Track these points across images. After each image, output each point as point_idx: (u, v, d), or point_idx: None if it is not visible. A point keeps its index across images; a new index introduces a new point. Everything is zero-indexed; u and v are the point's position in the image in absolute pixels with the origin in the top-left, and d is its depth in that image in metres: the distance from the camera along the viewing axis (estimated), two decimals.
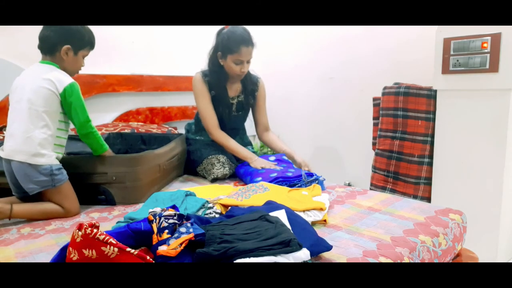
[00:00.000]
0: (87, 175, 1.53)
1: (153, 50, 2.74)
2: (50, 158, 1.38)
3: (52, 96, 1.40)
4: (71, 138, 1.96)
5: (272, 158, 1.92)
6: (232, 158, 1.98)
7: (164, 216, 0.92)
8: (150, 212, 0.95)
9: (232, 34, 1.84)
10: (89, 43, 1.53)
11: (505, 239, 1.84)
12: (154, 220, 0.93)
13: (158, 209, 0.95)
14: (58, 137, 1.44)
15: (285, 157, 1.94)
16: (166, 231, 0.91)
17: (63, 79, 1.43)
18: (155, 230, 0.91)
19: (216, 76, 1.95)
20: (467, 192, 1.86)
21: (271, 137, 2.13)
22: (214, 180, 1.89)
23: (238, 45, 1.82)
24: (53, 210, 1.40)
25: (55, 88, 1.40)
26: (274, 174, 1.66)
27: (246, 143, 2.17)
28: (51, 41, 1.44)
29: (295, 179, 1.62)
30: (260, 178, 1.65)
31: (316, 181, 1.63)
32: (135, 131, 2.26)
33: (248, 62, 1.91)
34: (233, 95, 2.03)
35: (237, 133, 2.13)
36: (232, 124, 2.06)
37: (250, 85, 2.05)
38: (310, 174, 1.68)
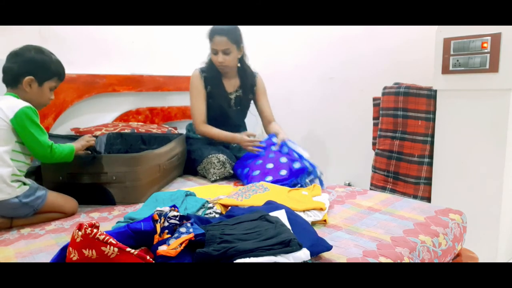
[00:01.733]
0: (87, 175, 1.53)
1: (153, 50, 2.73)
2: (13, 191, 1.27)
3: (1, 124, 1.27)
4: (71, 138, 1.96)
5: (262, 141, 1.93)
6: (232, 157, 1.98)
7: (169, 216, 0.92)
8: (156, 211, 0.95)
9: (213, 26, 1.92)
10: (56, 74, 1.45)
11: (505, 239, 1.84)
12: (159, 220, 0.92)
13: (166, 208, 0.95)
14: (16, 174, 1.29)
15: (275, 139, 1.94)
16: (166, 231, 0.91)
17: (15, 104, 1.30)
18: (159, 230, 0.91)
19: (211, 71, 2.01)
20: (467, 192, 1.86)
21: (272, 126, 2.13)
22: (215, 180, 1.89)
23: (213, 34, 1.91)
24: (53, 215, 1.39)
25: (4, 115, 1.28)
26: (270, 178, 1.66)
27: None
28: (13, 73, 1.36)
29: (290, 180, 1.62)
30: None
31: (313, 177, 1.64)
32: (135, 131, 2.26)
33: (226, 54, 1.93)
34: (231, 90, 2.06)
35: (238, 130, 2.14)
36: (232, 119, 2.08)
37: (248, 80, 2.07)
38: (302, 170, 1.67)
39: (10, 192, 1.26)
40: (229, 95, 2.05)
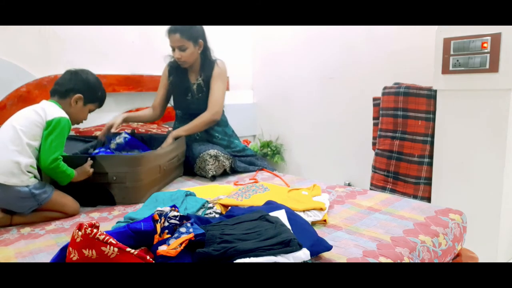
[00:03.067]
0: None
1: (153, 50, 2.73)
2: (27, 180, 1.33)
3: (37, 121, 1.38)
4: (71, 138, 1.96)
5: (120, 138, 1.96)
6: (224, 150, 2.02)
7: (169, 216, 0.92)
8: (156, 211, 0.95)
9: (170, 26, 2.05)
10: (99, 100, 1.62)
11: (505, 239, 1.84)
12: (159, 220, 0.92)
13: (166, 208, 0.95)
14: (33, 166, 1.36)
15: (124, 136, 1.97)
16: (166, 231, 0.91)
17: (58, 112, 1.43)
18: (159, 230, 0.91)
19: (176, 64, 2.16)
20: (467, 192, 1.86)
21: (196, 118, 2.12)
22: (214, 177, 1.90)
23: (168, 32, 2.03)
24: (53, 215, 1.40)
25: (44, 115, 1.39)
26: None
27: (229, 134, 2.23)
28: (67, 87, 1.52)
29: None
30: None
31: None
32: (135, 131, 2.26)
33: (182, 50, 2.03)
34: (194, 80, 2.17)
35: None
36: (194, 106, 2.15)
37: (206, 69, 2.15)
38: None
39: (23, 180, 1.32)
40: (192, 85, 2.15)
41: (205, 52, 2.14)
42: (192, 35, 2.03)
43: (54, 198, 1.39)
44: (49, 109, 1.42)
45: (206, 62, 2.15)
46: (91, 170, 1.49)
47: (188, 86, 2.14)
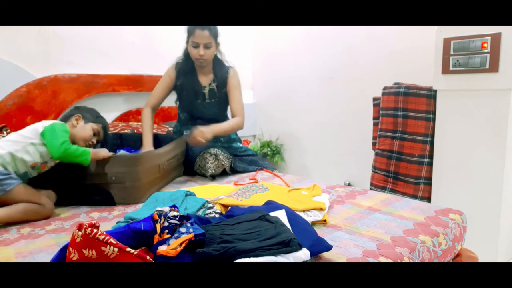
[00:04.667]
0: (86, 175, 1.53)
1: (153, 50, 2.73)
2: None
3: (30, 137, 1.49)
4: None
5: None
6: (224, 149, 2.01)
7: (169, 216, 0.92)
8: (156, 211, 0.95)
9: None
10: (100, 122, 1.73)
11: (505, 239, 1.84)
12: (159, 220, 0.92)
13: (166, 208, 0.95)
14: (7, 163, 1.44)
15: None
16: (166, 231, 0.91)
17: (48, 122, 1.53)
18: (159, 230, 0.91)
19: (186, 65, 2.10)
20: (467, 192, 1.86)
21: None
22: (213, 176, 1.90)
23: (194, 28, 1.97)
24: (30, 207, 1.39)
25: (36, 132, 1.50)
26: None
27: (232, 138, 2.21)
28: (67, 114, 1.69)
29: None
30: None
31: None
32: (135, 131, 2.26)
33: (207, 47, 1.99)
34: (206, 84, 2.11)
35: (216, 122, 2.14)
36: (206, 112, 2.12)
37: (221, 73, 2.12)
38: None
39: None
40: (203, 88, 2.10)
41: (217, 54, 2.11)
42: (216, 34, 2.02)
43: (18, 190, 1.40)
44: (41, 125, 1.52)
45: (219, 66, 2.12)
46: (110, 153, 1.57)
47: (199, 89, 2.09)
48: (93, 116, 1.71)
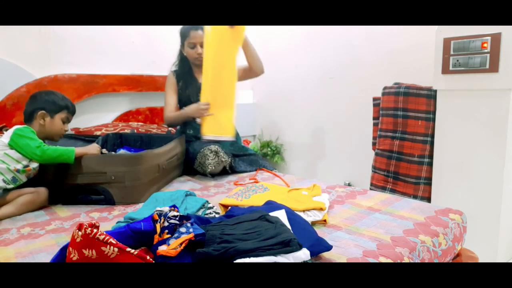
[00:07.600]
0: (86, 174, 1.53)
1: (153, 50, 2.74)
2: None
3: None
4: (71, 137, 1.96)
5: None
6: (225, 149, 2.02)
7: (169, 216, 0.92)
8: (156, 211, 0.95)
9: (184, 25, 2.13)
10: (64, 107, 1.65)
11: (505, 239, 1.84)
12: (159, 220, 0.92)
13: (166, 208, 0.95)
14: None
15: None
16: (166, 231, 0.91)
17: (10, 131, 1.51)
18: (158, 230, 0.91)
19: (183, 67, 2.21)
20: (467, 192, 1.86)
21: None
22: (213, 175, 1.90)
23: (188, 30, 2.10)
24: (24, 198, 1.44)
25: (3, 143, 1.48)
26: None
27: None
28: (28, 111, 1.60)
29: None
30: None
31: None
32: (135, 131, 2.26)
33: (202, 46, 2.07)
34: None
35: None
36: None
37: None
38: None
39: None
40: (201, 85, 2.13)
41: None
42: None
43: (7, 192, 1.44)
44: (6, 135, 1.50)
45: None
46: (99, 150, 1.59)
47: (198, 88, 2.13)
48: (55, 104, 1.64)
